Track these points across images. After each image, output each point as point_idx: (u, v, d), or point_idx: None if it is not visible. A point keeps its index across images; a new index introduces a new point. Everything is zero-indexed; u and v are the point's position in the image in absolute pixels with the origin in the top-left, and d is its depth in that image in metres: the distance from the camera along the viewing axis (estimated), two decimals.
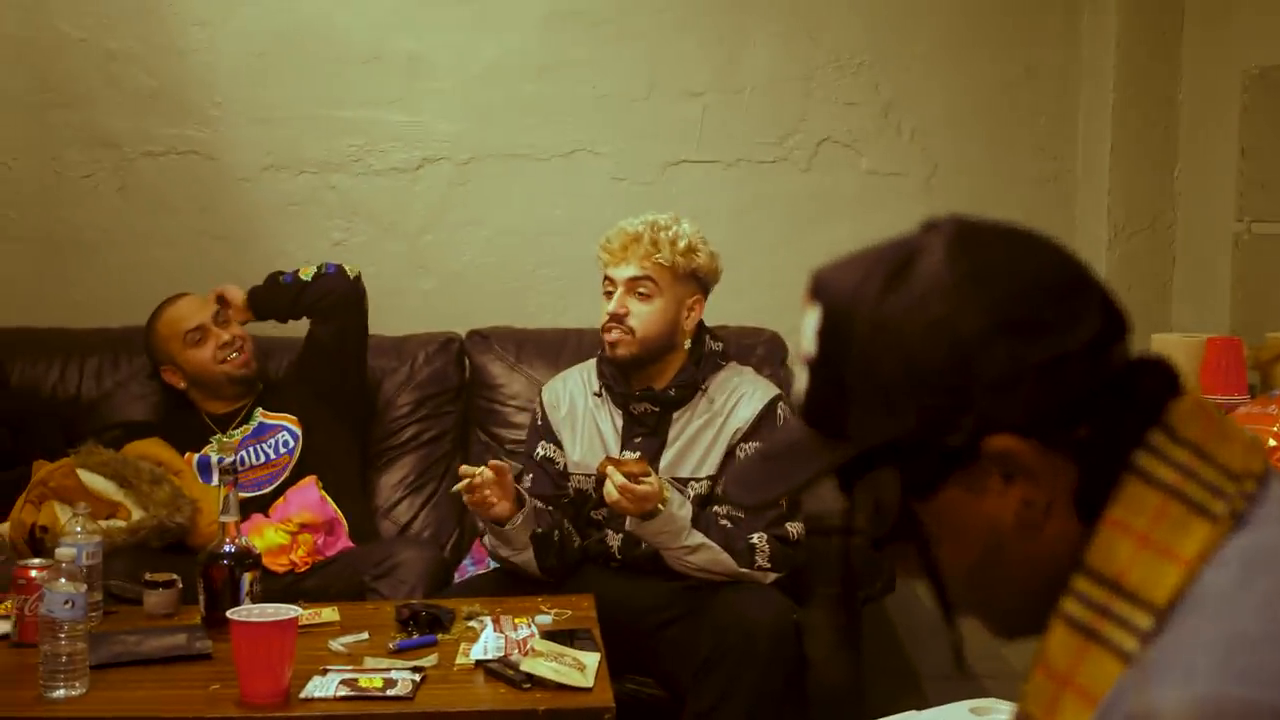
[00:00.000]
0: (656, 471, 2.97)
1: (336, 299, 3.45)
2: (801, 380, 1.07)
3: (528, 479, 3.09)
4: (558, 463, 3.11)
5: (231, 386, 3.41)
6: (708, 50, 3.89)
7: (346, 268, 3.48)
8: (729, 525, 2.91)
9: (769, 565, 2.90)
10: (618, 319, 3.00)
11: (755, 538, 2.89)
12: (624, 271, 3.00)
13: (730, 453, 2.99)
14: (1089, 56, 3.98)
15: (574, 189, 3.87)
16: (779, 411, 3.02)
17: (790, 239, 3.91)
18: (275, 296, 3.46)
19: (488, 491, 2.84)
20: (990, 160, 4.00)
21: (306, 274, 3.45)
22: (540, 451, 3.14)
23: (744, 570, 2.88)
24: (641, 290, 2.99)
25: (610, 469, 2.79)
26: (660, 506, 2.81)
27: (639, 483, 2.78)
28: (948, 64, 3.95)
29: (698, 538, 2.87)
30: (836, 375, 1.03)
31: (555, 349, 3.66)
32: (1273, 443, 2.67)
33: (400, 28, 3.83)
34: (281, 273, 3.47)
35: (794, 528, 2.95)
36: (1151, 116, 3.93)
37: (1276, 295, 3.48)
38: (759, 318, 3.74)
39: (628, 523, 2.90)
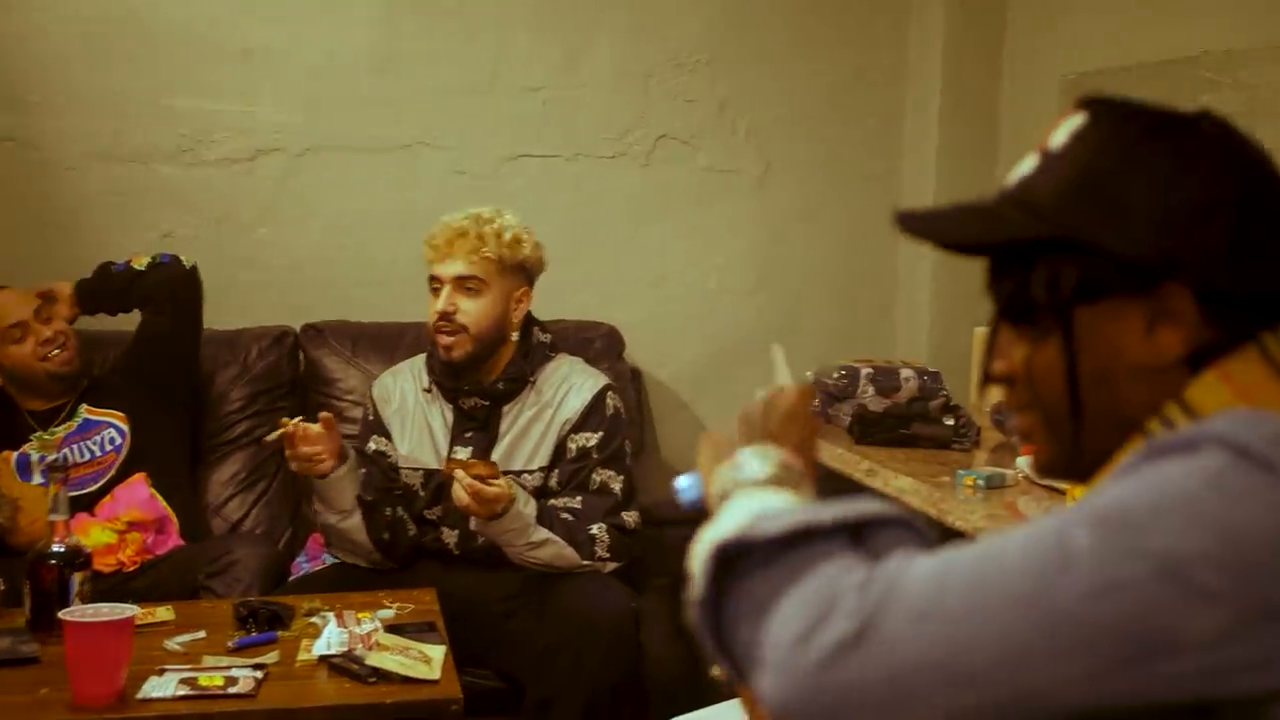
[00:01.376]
0: None
1: (172, 289, 3.37)
2: (1027, 165, 1.13)
3: (360, 474, 3.06)
4: (389, 456, 3.09)
5: (53, 384, 3.29)
6: (550, 45, 3.89)
7: (183, 258, 3.40)
8: (570, 518, 2.92)
9: (609, 555, 2.92)
10: (447, 317, 2.98)
11: (595, 528, 2.92)
12: (450, 269, 2.99)
13: (560, 445, 3.00)
14: (916, 60, 4.09)
15: (413, 182, 3.84)
16: (608, 401, 3.04)
17: (628, 233, 3.94)
18: (106, 287, 3.35)
19: (319, 448, 2.81)
20: (821, 158, 4.08)
21: (140, 264, 3.35)
22: (372, 445, 3.12)
23: (586, 562, 2.90)
24: (469, 287, 2.98)
25: (458, 472, 2.77)
26: (508, 506, 2.81)
27: (488, 484, 2.77)
28: (782, 64, 4.02)
29: (542, 533, 2.87)
30: (1069, 170, 1.10)
31: (391, 343, 3.63)
32: None
33: (236, 15, 3.74)
34: (112, 263, 3.37)
35: (630, 517, 2.98)
36: (975, 118, 4.05)
37: None
38: (597, 311, 3.76)
39: (473, 523, 2.89)
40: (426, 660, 2.36)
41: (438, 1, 3.82)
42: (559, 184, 3.89)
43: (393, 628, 2.51)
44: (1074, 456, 1.13)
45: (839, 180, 4.09)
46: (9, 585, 2.61)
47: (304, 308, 3.74)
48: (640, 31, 3.93)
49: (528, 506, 2.87)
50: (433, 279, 3.03)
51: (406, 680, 2.31)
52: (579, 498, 2.96)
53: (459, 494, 2.77)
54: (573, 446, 3.01)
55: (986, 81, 4.05)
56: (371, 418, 3.15)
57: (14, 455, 3.24)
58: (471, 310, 2.98)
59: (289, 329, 3.70)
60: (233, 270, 3.76)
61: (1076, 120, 1.13)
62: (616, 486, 3.00)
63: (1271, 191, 1.09)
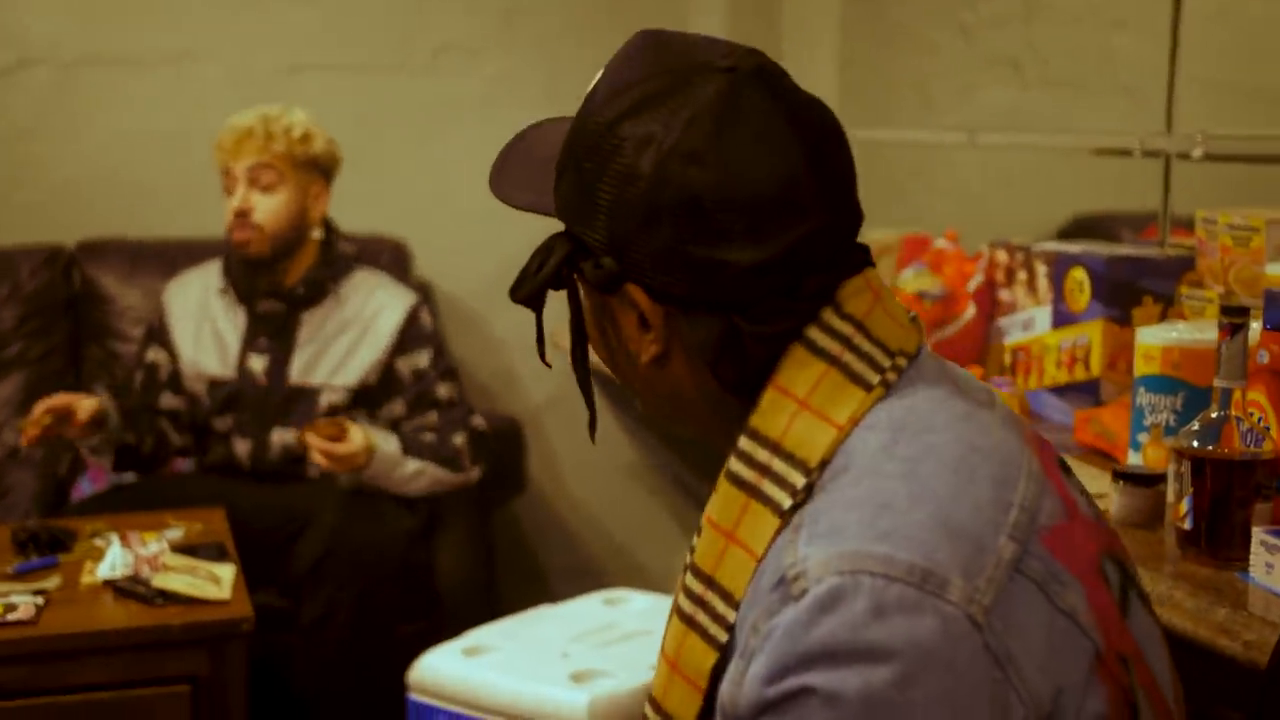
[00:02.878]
0: (286, 379, 2.95)
1: None
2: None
3: (138, 378, 3.06)
4: (163, 369, 3.04)
5: None
6: None
7: None
8: (431, 438, 2.93)
9: (474, 462, 2.97)
10: (242, 215, 2.94)
11: (456, 439, 2.95)
12: (241, 164, 2.94)
13: (388, 370, 2.99)
14: None
15: (189, 94, 3.72)
16: (423, 318, 3.04)
17: (414, 147, 3.89)
18: None
19: (70, 430, 2.79)
20: None
21: None
22: (149, 356, 3.07)
23: (458, 478, 2.94)
24: (264, 182, 2.94)
25: (309, 436, 2.77)
26: (375, 452, 2.81)
27: (341, 443, 2.76)
28: None
29: (413, 464, 2.89)
30: (568, 144, 1.08)
31: (171, 260, 3.53)
32: None
33: None
34: None
35: (478, 420, 3.02)
36: (758, 27, 4.09)
37: (874, 197, 3.71)
38: (384, 227, 3.72)
39: (343, 479, 2.87)
40: (216, 580, 2.35)
41: None
42: (341, 97, 3.81)
43: (180, 548, 2.48)
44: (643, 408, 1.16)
45: None
46: None
47: (79, 226, 3.61)
48: None
49: (389, 444, 2.86)
50: (225, 176, 2.98)
51: (195, 601, 2.29)
52: (431, 414, 2.99)
53: (318, 459, 2.76)
54: (405, 370, 3.01)
55: None
56: (157, 325, 3.10)
57: None
58: (266, 207, 2.95)
59: (63, 247, 3.58)
60: (1, 188, 3.60)
61: (599, 75, 1.08)
62: (459, 395, 3.04)
63: (730, 191, 1.01)
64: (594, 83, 1.08)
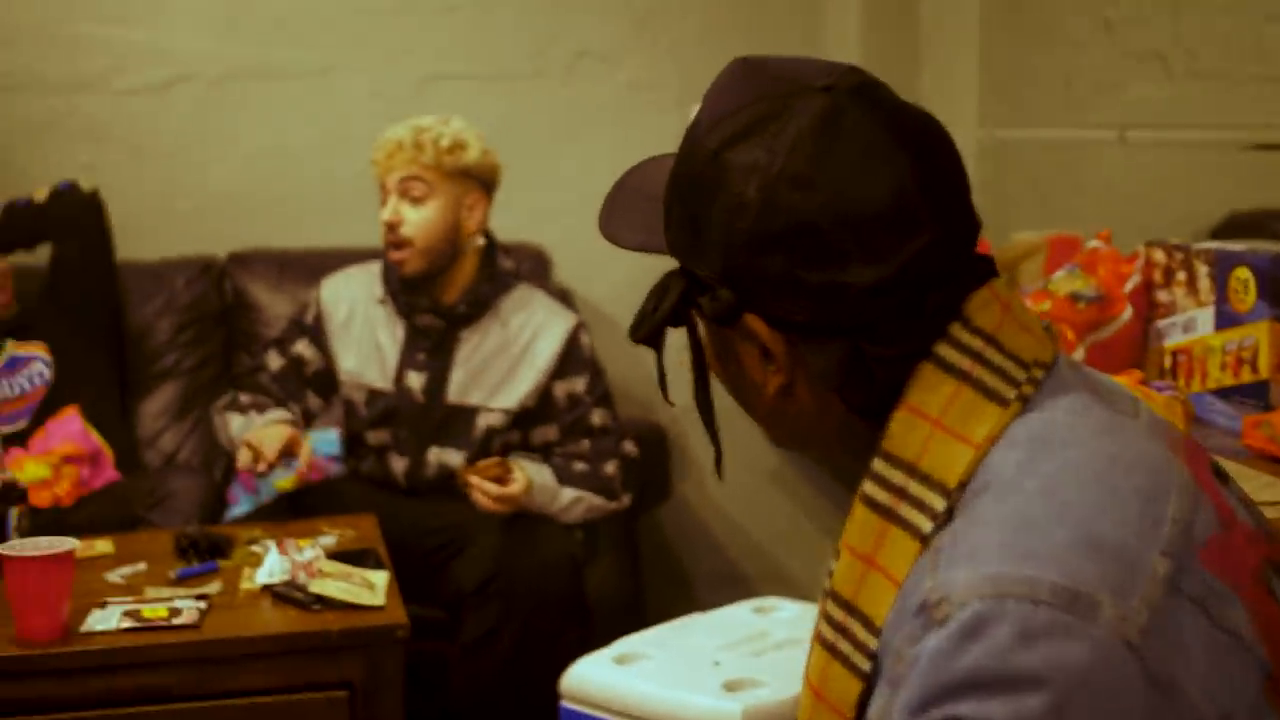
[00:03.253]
0: (444, 397, 2.97)
1: (75, 216, 3.34)
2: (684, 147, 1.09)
3: (276, 363, 3.07)
4: (309, 366, 3.07)
5: None
6: None
7: (80, 182, 3.37)
8: (585, 467, 2.94)
9: (624, 489, 2.99)
10: (392, 228, 2.95)
11: (608, 467, 2.96)
12: (393, 177, 2.96)
13: (545, 394, 2.99)
14: None
15: (330, 107, 3.79)
16: (582, 341, 3.04)
17: (549, 154, 3.92)
18: (14, 226, 3.32)
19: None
20: None
21: (41, 196, 3.32)
22: (296, 349, 3.09)
23: (612, 505, 2.95)
24: (414, 194, 2.95)
25: (473, 479, 2.78)
26: (533, 487, 2.83)
27: (505, 483, 2.78)
28: None
29: (569, 494, 2.90)
30: (673, 182, 1.07)
31: (319, 269, 3.58)
32: None
33: None
34: (14, 201, 3.33)
35: (629, 445, 3.02)
36: (896, 28, 4.05)
37: (1018, 198, 3.66)
38: (522, 234, 3.75)
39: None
40: (370, 586, 2.38)
41: None
42: (477, 105, 3.85)
43: (335, 555, 2.52)
44: (773, 438, 1.14)
45: None
46: None
47: (229, 236, 3.70)
48: None
49: (543, 476, 2.88)
50: (380, 189, 3.00)
51: (350, 606, 2.33)
52: (584, 442, 2.99)
53: (481, 501, 2.78)
54: (561, 394, 3.00)
55: None
56: (311, 321, 3.11)
57: None
58: (415, 220, 2.94)
59: (214, 258, 3.67)
60: (154, 201, 3.70)
61: (695, 108, 1.08)
62: (612, 422, 3.03)
63: (842, 210, 0.98)
64: (695, 114, 1.07)
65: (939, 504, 0.98)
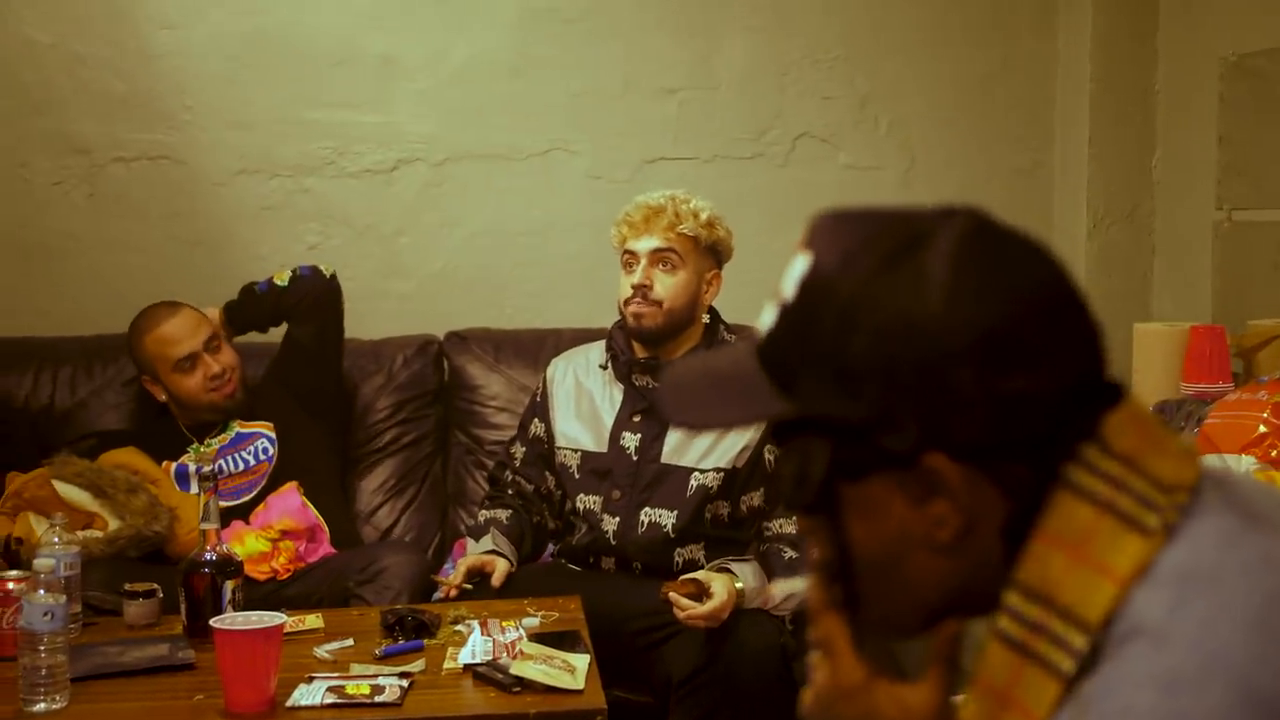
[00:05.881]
0: (660, 457, 2.94)
1: (315, 300, 3.42)
2: (769, 317, 1.03)
3: (520, 451, 3.11)
4: (544, 443, 3.09)
5: (214, 412, 3.36)
6: (682, 46, 3.87)
7: (321, 267, 3.45)
8: (793, 554, 2.87)
9: None
10: (643, 291, 2.97)
11: None
12: (647, 244, 2.98)
13: (758, 457, 2.94)
14: (1065, 47, 3.97)
15: (550, 188, 3.84)
16: None
17: (769, 235, 3.87)
18: (253, 308, 3.42)
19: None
20: (968, 152, 3.99)
21: (282, 280, 3.41)
22: (533, 430, 3.13)
23: None
24: (666, 262, 2.97)
25: (672, 595, 2.73)
26: (739, 593, 2.75)
27: (705, 601, 2.73)
28: (924, 57, 3.94)
29: (783, 587, 2.82)
30: (804, 332, 0.99)
31: (534, 349, 3.63)
32: (1262, 429, 2.65)
33: (371, 28, 3.79)
34: (255, 283, 3.43)
35: None
36: (1128, 106, 3.92)
37: (1257, 283, 3.47)
38: (739, 315, 3.71)
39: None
40: (571, 669, 2.34)
41: (567, 7, 3.83)
42: (696, 186, 3.84)
43: (537, 636, 2.50)
44: (887, 623, 1.05)
45: (987, 174, 3.99)
46: (167, 593, 2.67)
47: (447, 316, 3.77)
48: (774, 29, 3.89)
49: (747, 578, 2.79)
50: (626, 254, 3.01)
51: (550, 690, 2.29)
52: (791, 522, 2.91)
53: (680, 616, 2.73)
54: (771, 460, 2.95)
55: (1140, 66, 3.92)
56: (540, 399, 3.15)
57: (173, 466, 3.31)
58: (667, 285, 2.97)
59: (433, 337, 3.73)
60: (376, 280, 3.80)
61: (801, 265, 1.01)
62: None
63: (1016, 316, 0.95)
64: (798, 271, 1.01)
65: (1079, 641, 0.92)
